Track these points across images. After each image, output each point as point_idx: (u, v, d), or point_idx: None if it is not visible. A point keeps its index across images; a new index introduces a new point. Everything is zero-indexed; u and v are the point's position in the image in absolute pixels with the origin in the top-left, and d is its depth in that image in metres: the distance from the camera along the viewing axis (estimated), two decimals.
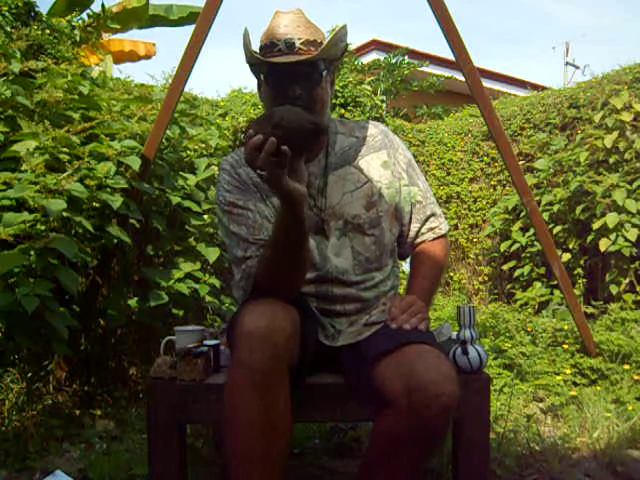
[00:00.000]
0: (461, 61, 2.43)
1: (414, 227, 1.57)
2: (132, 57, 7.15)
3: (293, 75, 1.37)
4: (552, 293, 4.33)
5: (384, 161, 1.53)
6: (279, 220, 1.24)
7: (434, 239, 1.57)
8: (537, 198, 4.42)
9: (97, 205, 2.32)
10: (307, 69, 1.38)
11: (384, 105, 7.08)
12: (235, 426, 1.18)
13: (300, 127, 1.12)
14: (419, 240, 1.57)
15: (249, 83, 7.24)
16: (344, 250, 1.46)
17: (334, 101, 6.26)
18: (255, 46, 1.42)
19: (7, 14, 4.45)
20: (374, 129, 1.57)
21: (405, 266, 6.01)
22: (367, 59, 9.64)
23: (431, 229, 1.57)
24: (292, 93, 1.37)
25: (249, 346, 1.15)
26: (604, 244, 4.06)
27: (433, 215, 1.58)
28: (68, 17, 5.69)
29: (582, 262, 4.40)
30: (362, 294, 1.47)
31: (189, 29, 2.46)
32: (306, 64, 1.37)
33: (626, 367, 2.74)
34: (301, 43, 1.37)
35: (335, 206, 1.46)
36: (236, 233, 1.43)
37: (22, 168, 2.21)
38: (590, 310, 3.84)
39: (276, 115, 1.13)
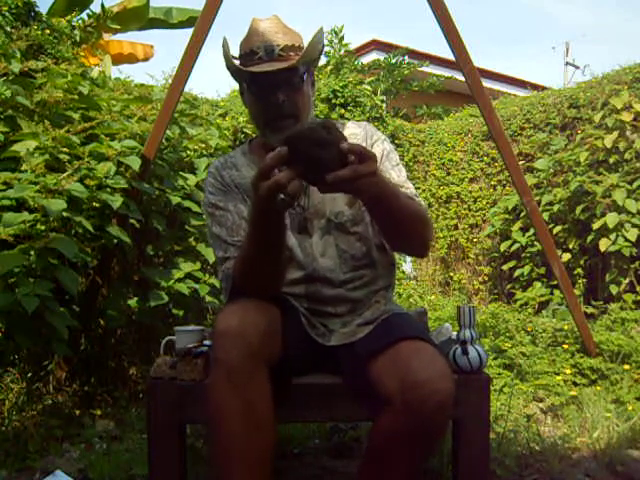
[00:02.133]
0: (461, 61, 2.43)
1: None
2: (130, 59, 7.17)
3: (275, 82, 1.38)
4: (552, 293, 4.33)
5: None
6: (256, 219, 1.21)
7: None
8: (537, 198, 4.42)
9: (97, 205, 2.32)
10: (288, 74, 1.39)
11: (384, 105, 7.07)
12: (215, 425, 1.19)
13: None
14: None
15: None
16: (329, 249, 1.47)
17: (334, 101, 6.25)
18: (235, 53, 1.43)
19: (7, 14, 4.44)
20: (357, 128, 1.57)
21: (405, 266, 5.97)
22: (367, 59, 9.64)
23: None
24: (275, 100, 1.38)
25: (223, 345, 1.17)
26: (604, 244, 4.06)
27: (408, 198, 1.42)
28: (68, 17, 5.69)
29: (582, 262, 4.40)
30: (351, 294, 1.46)
31: (188, 31, 2.46)
32: (287, 70, 1.38)
33: (626, 367, 2.74)
34: (280, 49, 1.39)
35: (317, 204, 1.47)
36: (217, 234, 1.46)
37: (22, 168, 2.21)
38: (590, 310, 3.84)
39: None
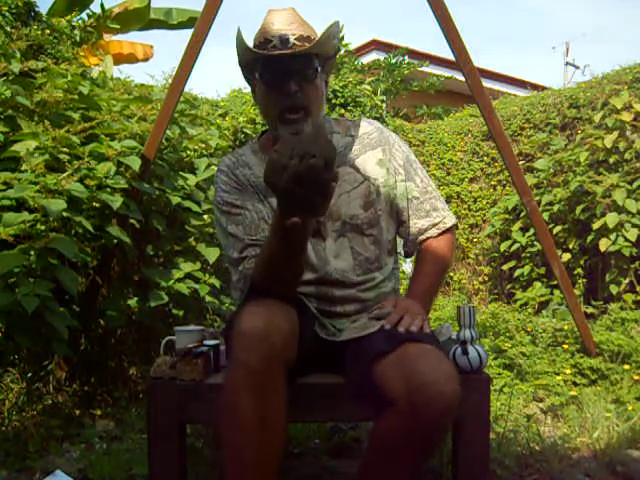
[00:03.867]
0: (461, 61, 2.43)
1: (415, 223, 1.55)
2: (130, 59, 7.16)
3: (288, 70, 1.37)
4: (552, 293, 4.33)
5: (379, 159, 1.52)
6: (279, 228, 1.20)
7: (439, 235, 1.56)
8: (537, 198, 4.42)
9: (97, 205, 2.32)
10: (302, 64, 1.38)
11: (384, 105, 7.08)
12: (229, 426, 1.18)
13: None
14: (423, 237, 1.55)
15: None
16: (343, 251, 1.46)
17: (334, 101, 6.25)
18: (249, 45, 1.41)
19: (7, 14, 4.44)
20: (369, 126, 1.56)
21: (405, 266, 5.99)
22: (367, 59, 9.63)
23: (435, 224, 1.55)
24: (287, 90, 1.37)
25: (246, 346, 1.15)
26: (604, 244, 4.06)
27: (435, 210, 1.55)
28: (68, 17, 5.68)
29: (582, 262, 4.40)
30: (362, 295, 1.46)
31: (188, 31, 2.46)
32: (301, 59, 1.37)
33: (626, 367, 2.74)
34: (295, 39, 1.37)
35: (332, 207, 1.44)
36: (233, 234, 1.45)
37: (22, 168, 2.21)
38: (590, 310, 3.84)
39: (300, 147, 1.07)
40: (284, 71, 1.37)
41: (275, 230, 1.23)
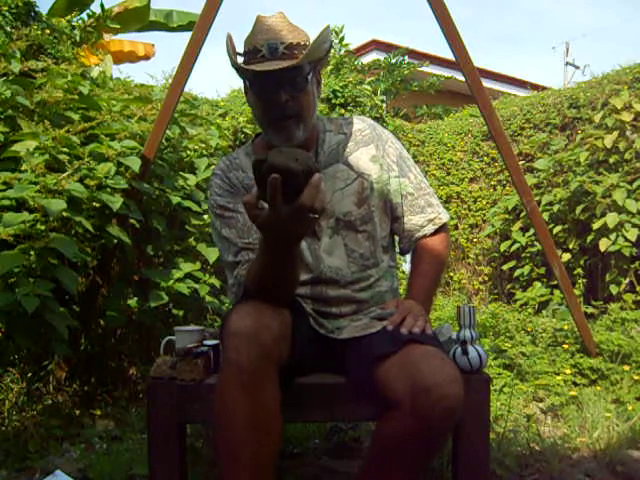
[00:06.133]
0: (461, 61, 2.43)
1: (410, 220, 1.55)
2: (131, 57, 7.14)
3: (278, 81, 1.36)
4: (552, 293, 4.32)
5: (373, 155, 1.52)
6: (264, 241, 1.20)
7: (435, 232, 1.56)
8: (537, 198, 4.42)
9: (97, 205, 2.32)
10: (292, 73, 1.37)
11: (384, 105, 7.07)
12: (223, 426, 1.18)
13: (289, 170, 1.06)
14: (420, 234, 1.55)
15: None
16: (337, 249, 1.46)
17: (334, 101, 6.25)
18: (239, 50, 1.41)
19: (7, 14, 4.44)
20: (362, 123, 1.56)
21: (405, 266, 6.00)
22: (367, 59, 9.64)
23: (430, 220, 1.55)
24: (278, 100, 1.36)
25: (236, 346, 1.16)
26: (604, 244, 4.05)
27: (429, 206, 1.56)
28: (68, 17, 5.68)
29: (582, 262, 4.40)
30: (357, 295, 1.46)
31: (189, 33, 2.46)
32: (291, 69, 1.35)
33: (626, 367, 2.74)
34: (285, 47, 1.36)
35: (326, 205, 1.46)
36: (227, 237, 1.45)
37: (22, 168, 2.21)
38: (590, 310, 3.84)
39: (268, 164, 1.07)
40: (274, 82, 1.36)
41: (261, 242, 1.23)
